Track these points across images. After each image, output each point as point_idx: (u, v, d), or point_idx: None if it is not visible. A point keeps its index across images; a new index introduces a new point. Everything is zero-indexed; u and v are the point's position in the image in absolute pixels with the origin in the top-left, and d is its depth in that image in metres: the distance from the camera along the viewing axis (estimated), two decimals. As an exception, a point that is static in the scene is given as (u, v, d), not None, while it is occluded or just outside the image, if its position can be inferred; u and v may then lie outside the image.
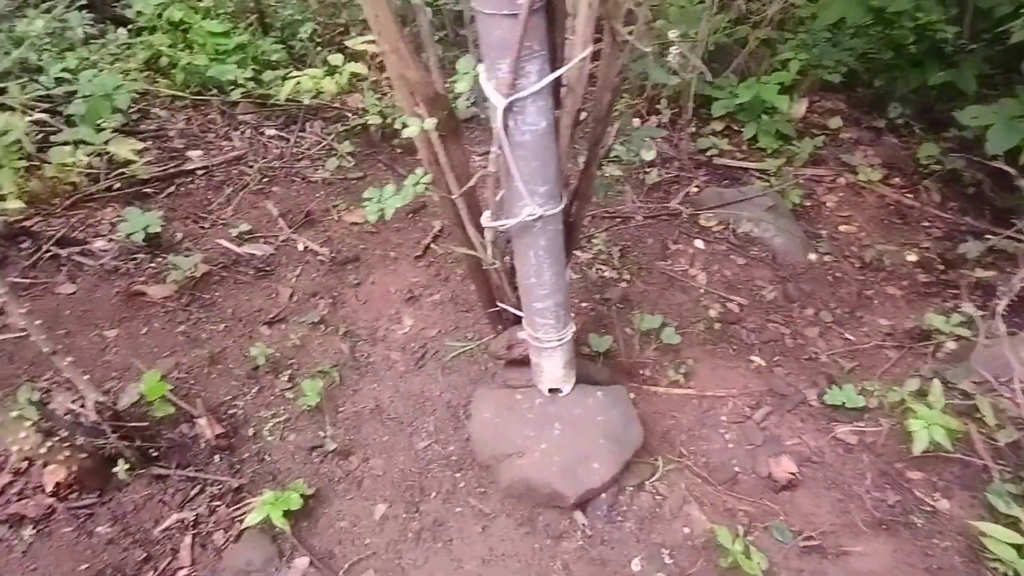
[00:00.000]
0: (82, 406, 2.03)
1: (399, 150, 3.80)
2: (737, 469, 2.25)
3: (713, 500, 2.13)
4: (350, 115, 3.92)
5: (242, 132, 3.93)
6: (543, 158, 1.52)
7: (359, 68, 3.47)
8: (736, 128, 3.87)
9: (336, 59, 3.48)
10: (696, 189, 3.56)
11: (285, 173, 3.58)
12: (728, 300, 2.90)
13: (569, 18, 1.42)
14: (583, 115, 1.66)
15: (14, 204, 2.64)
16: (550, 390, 2.11)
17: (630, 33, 1.50)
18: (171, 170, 3.51)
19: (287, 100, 3.68)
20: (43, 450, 1.83)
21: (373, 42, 3.64)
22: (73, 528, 1.99)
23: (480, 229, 1.84)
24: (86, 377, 2.02)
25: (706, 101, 3.85)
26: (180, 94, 3.99)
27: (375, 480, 2.20)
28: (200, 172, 3.54)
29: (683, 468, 2.22)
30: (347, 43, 3.72)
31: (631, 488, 2.13)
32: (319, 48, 4.42)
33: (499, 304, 2.12)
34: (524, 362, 2.18)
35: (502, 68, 1.35)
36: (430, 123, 1.58)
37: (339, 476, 2.20)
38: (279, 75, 4.04)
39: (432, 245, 3.16)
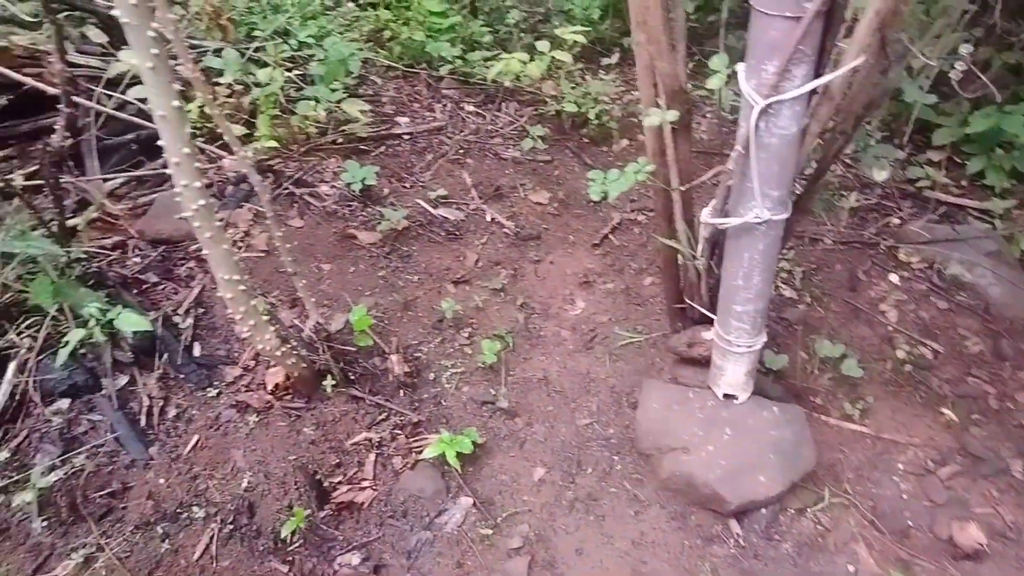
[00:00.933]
0: (303, 324, 2.36)
1: (586, 140, 3.90)
2: (910, 523, 2.11)
3: (882, 547, 2.02)
4: (545, 101, 4.09)
5: (444, 105, 4.23)
6: (784, 163, 1.53)
7: (564, 56, 3.61)
8: (958, 160, 3.53)
9: (543, 45, 3.65)
10: (899, 221, 3.31)
11: (479, 147, 3.81)
12: (921, 344, 2.69)
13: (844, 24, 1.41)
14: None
15: (267, 144, 3.09)
16: (725, 395, 2.11)
17: (901, 45, 1.46)
18: (382, 132, 3.88)
19: (489, 80, 3.92)
20: (278, 353, 2.15)
21: (583, 33, 3.77)
22: (286, 424, 2.32)
23: (690, 224, 1.88)
24: (312, 299, 2.33)
25: (924, 127, 3.55)
26: (394, 64, 4.38)
27: (536, 445, 2.33)
28: (406, 137, 3.88)
29: (849, 505, 2.13)
30: (556, 32, 3.89)
31: (793, 511, 2.08)
32: (523, 34, 4.63)
33: (687, 301, 2.15)
34: (701, 362, 2.19)
35: (768, 69, 1.38)
36: (672, 115, 1.64)
37: (504, 433, 2.36)
38: (483, 56, 4.30)
39: (610, 236, 3.23)
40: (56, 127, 2.78)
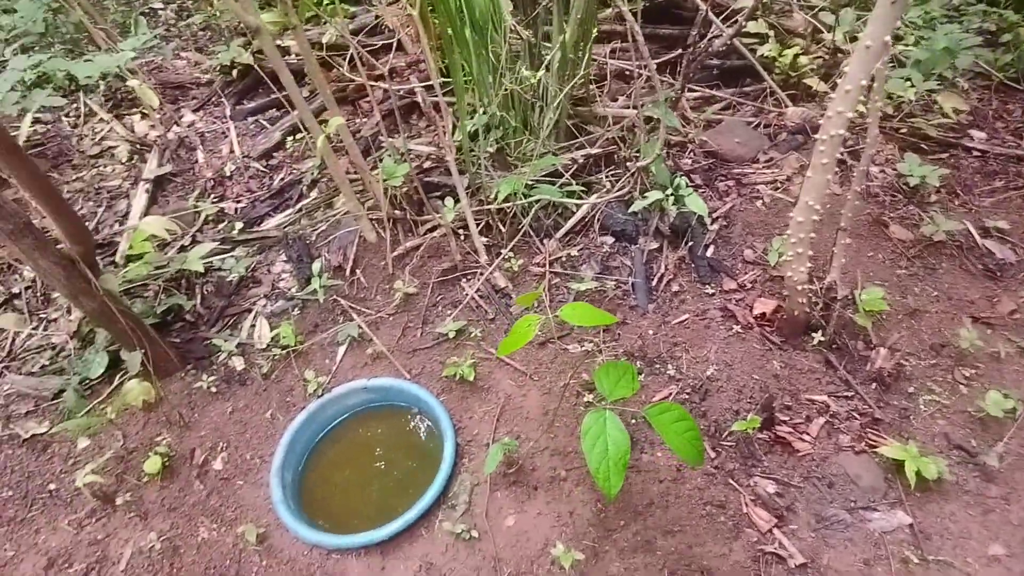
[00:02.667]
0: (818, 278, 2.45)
1: None
2: None
3: None
4: None
5: None
6: None
7: None
8: None
9: None
10: None
11: None
12: None
13: None
14: None
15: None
16: None
17: None
18: (950, 138, 3.53)
19: None
20: (799, 287, 2.32)
21: None
22: (760, 348, 2.52)
23: None
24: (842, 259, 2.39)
25: None
26: (994, 72, 3.84)
27: (1005, 523, 2.06)
28: (976, 153, 3.46)
29: None
30: None
31: None
32: None
33: None
34: None
35: None
36: None
37: (972, 488, 2.14)
38: None
39: None
40: (690, 37, 3.32)
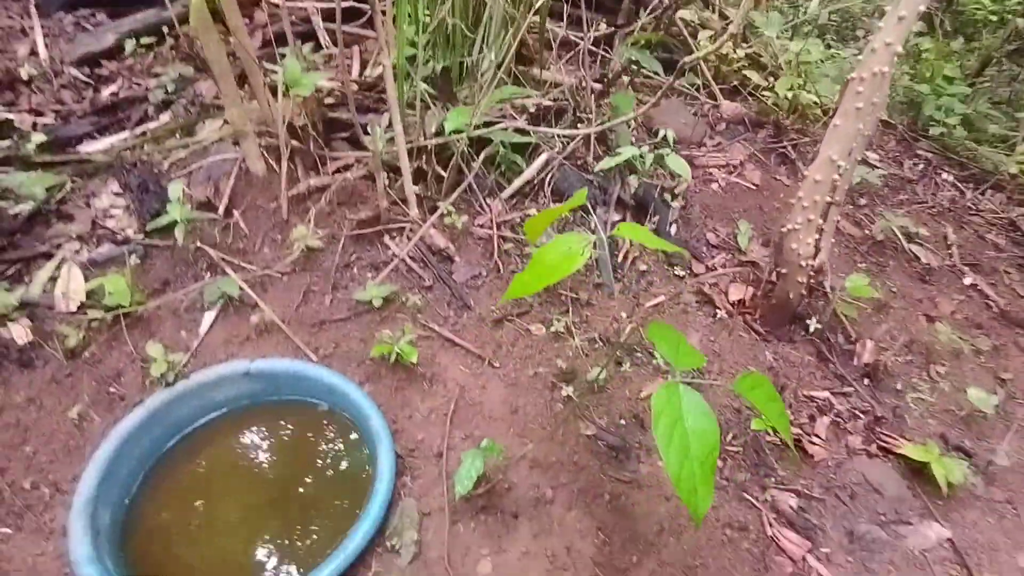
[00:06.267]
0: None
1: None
2: None
3: None
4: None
5: (915, 164, 3.81)
6: None
7: None
8: None
9: None
10: None
11: (956, 218, 3.32)
12: None
13: None
14: None
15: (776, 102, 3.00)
16: None
17: None
18: (861, 154, 3.58)
19: (996, 167, 3.42)
20: (802, 264, 1.98)
21: None
22: (747, 337, 2.14)
23: None
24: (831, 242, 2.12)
25: None
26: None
27: (1016, 521, 1.83)
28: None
29: None
30: None
31: None
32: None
33: None
34: None
35: None
36: None
37: (980, 494, 1.90)
38: (994, 134, 3.79)
39: None
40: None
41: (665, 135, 2.50)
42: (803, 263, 2.00)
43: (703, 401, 1.11)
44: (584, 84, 2.67)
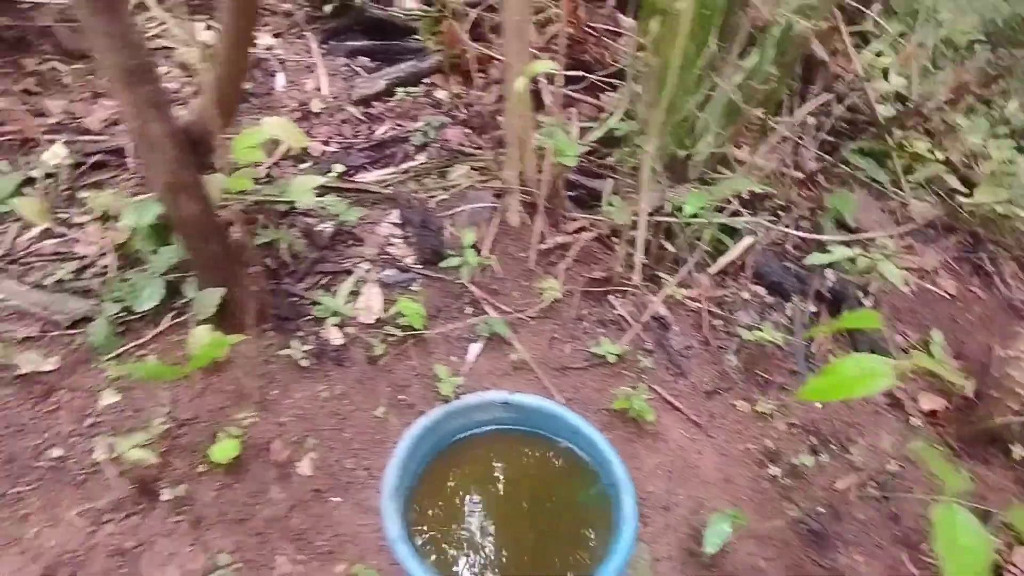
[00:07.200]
0: None
1: None
2: None
3: None
4: None
5: None
6: None
7: None
8: None
9: None
10: None
11: None
12: None
13: None
14: None
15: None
16: None
17: None
18: None
19: None
20: (996, 393, 2.03)
21: None
22: (939, 447, 2.19)
23: None
24: None
25: None
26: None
27: None
28: None
29: None
30: None
31: None
32: None
33: None
34: None
35: None
36: None
37: None
38: None
39: None
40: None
41: (873, 239, 2.61)
42: (1020, 391, 2.06)
43: (976, 521, 1.24)
44: (794, 174, 2.84)
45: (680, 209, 2.31)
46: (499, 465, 1.86)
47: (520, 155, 2.31)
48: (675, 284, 2.33)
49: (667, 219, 2.34)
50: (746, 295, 2.50)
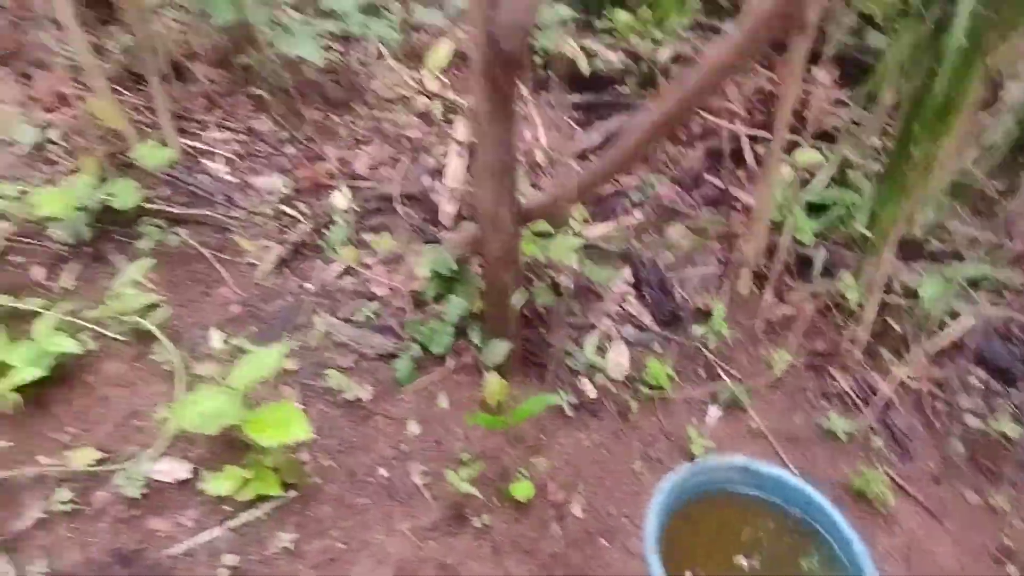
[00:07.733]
0: None
1: None
2: None
3: None
4: None
5: None
6: None
7: None
8: None
9: None
10: None
11: None
12: None
13: None
14: None
15: None
16: None
17: None
18: None
19: None
20: None
21: None
22: None
23: None
24: None
25: None
26: None
27: None
28: None
29: None
30: None
31: None
32: None
33: None
34: None
35: None
36: None
37: None
38: None
39: None
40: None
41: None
42: None
43: None
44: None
45: (914, 292, 2.36)
46: (733, 524, 2.02)
47: (759, 230, 2.45)
48: (904, 368, 2.38)
49: (901, 300, 2.40)
50: (970, 378, 2.50)
